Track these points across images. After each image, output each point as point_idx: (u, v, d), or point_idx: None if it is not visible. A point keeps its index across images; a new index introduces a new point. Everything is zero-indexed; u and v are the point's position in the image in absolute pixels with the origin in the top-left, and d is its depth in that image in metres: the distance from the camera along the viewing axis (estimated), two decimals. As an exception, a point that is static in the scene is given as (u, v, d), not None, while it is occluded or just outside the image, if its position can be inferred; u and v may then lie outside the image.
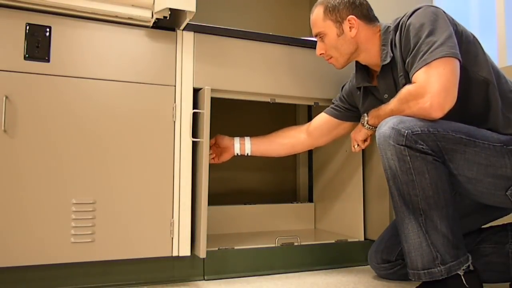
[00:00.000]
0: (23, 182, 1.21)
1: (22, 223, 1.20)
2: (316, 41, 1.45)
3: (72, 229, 1.24)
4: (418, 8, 1.24)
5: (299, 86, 1.58)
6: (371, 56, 1.37)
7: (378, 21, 1.38)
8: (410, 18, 1.23)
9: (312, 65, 1.60)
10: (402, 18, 1.28)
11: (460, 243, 1.15)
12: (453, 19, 1.24)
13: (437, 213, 1.12)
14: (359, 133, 1.41)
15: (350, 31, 1.34)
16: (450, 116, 1.15)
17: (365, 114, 1.37)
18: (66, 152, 1.25)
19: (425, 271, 1.14)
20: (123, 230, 1.29)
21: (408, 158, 1.11)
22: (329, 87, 1.62)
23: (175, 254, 1.35)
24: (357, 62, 1.44)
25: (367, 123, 1.36)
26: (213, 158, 1.59)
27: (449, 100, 1.13)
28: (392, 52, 1.30)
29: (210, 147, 1.54)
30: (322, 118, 1.58)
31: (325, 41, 1.39)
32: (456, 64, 1.15)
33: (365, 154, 1.73)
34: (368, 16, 1.36)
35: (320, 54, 1.42)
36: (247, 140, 1.61)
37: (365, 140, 1.43)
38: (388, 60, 1.30)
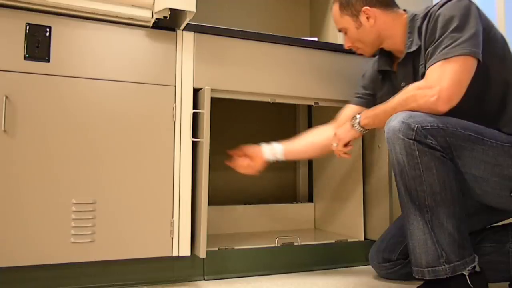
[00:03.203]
0: (23, 182, 1.21)
1: (22, 223, 1.20)
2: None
3: (72, 229, 1.24)
4: None
5: (299, 86, 1.58)
6: (395, 42, 1.36)
7: (397, 5, 1.38)
8: (441, 9, 1.21)
9: (312, 65, 1.60)
10: (433, 7, 1.26)
11: (466, 243, 1.14)
12: (485, 16, 1.22)
13: (444, 211, 1.11)
14: (347, 134, 1.37)
15: (368, 21, 1.35)
16: (463, 111, 1.15)
17: (357, 116, 1.34)
18: (66, 152, 1.25)
19: (429, 269, 1.12)
20: (123, 230, 1.29)
21: (417, 152, 1.10)
22: (329, 87, 1.62)
23: (175, 254, 1.35)
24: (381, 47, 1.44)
25: (359, 124, 1.33)
26: (245, 167, 1.54)
27: (456, 96, 1.13)
28: (420, 41, 1.28)
29: (238, 157, 1.53)
30: (350, 110, 1.54)
31: (348, 35, 1.41)
32: (473, 64, 1.15)
33: (365, 154, 1.73)
34: (383, 2, 1.35)
35: (348, 47, 1.44)
36: (276, 144, 1.54)
37: (348, 143, 1.39)
38: (414, 48, 1.29)
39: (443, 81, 1.12)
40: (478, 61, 1.15)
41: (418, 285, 1.20)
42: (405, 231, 1.19)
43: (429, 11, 1.27)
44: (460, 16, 1.17)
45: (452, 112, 1.15)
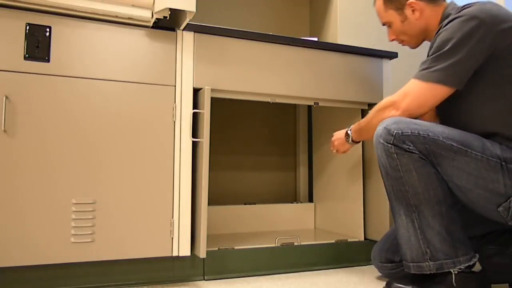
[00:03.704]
0: (23, 182, 1.21)
1: (22, 223, 1.20)
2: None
3: (72, 229, 1.24)
4: (462, 15, 1.19)
5: (299, 86, 1.58)
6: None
7: None
8: (449, 25, 1.21)
9: (312, 65, 1.60)
10: (458, 11, 1.24)
11: (459, 243, 1.16)
12: (499, 32, 1.16)
13: (429, 210, 1.16)
14: (343, 146, 1.53)
15: (413, 14, 1.35)
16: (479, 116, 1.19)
17: (349, 132, 1.48)
18: (66, 152, 1.25)
19: (414, 264, 1.19)
20: (123, 230, 1.29)
21: (395, 155, 1.17)
22: (329, 87, 1.62)
23: (175, 254, 1.35)
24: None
25: (352, 140, 1.48)
26: None
27: (416, 113, 1.25)
28: None
29: None
30: None
31: (393, 28, 1.42)
32: (442, 92, 1.20)
33: (365, 154, 1.73)
34: None
35: (392, 40, 1.46)
36: None
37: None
38: None
39: (407, 98, 1.23)
40: (455, 88, 1.19)
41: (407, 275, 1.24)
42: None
43: (449, 15, 1.26)
44: (457, 41, 1.17)
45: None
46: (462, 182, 1.16)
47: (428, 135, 1.16)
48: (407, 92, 1.24)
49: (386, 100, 1.30)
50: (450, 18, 1.22)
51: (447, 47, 1.18)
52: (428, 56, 1.26)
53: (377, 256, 1.46)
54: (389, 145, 1.17)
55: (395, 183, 1.19)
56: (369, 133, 1.37)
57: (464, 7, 1.24)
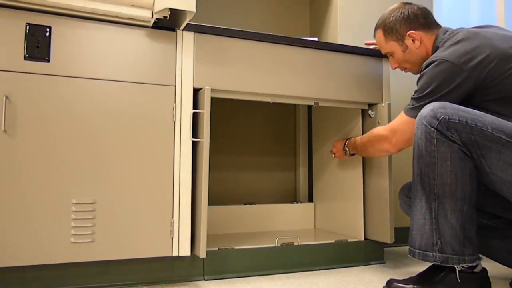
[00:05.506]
0: (23, 182, 1.21)
1: (22, 223, 1.20)
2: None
3: (72, 229, 1.24)
4: (435, 60, 1.25)
5: (299, 86, 1.58)
6: None
7: (438, 26, 1.42)
8: (426, 70, 1.27)
9: (312, 65, 1.60)
10: (441, 48, 1.30)
11: (468, 242, 1.16)
12: (471, 69, 1.21)
13: (450, 203, 1.15)
14: (343, 156, 1.69)
15: (414, 43, 1.41)
16: None
17: (347, 148, 1.64)
18: (66, 152, 1.25)
19: (421, 251, 1.19)
20: (123, 230, 1.29)
21: (435, 141, 1.15)
22: (329, 87, 1.62)
23: (175, 254, 1.35)
24: None
25: (350, 153, 1.65)
26: None
27: (404, 146, 1.37)
28: None
29: None
30: None
31: (395, 58, 1.48)
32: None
33: (365, 154, 1.73)
34: (426, 24, 1.41)
35: (395, 68, 1.52)
36: None
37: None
38: None
39: (396, 135, 1.35)
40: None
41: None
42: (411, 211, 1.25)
43: (437, 48, 1.33)
44: (434, 86, 1.24)
45: None
46: (508, 176, 1.12)
47: (476, 125, 1.13)
48: (396, 129, 1.36)
49: (379, 131, 1.42)
50: (428, 61, 1.29)
51: (427, 91, 1.26)
52: (414, 92, 1.32)
53: (405, 189, 1.50)
54: (432, 128, 1.16)
55: (424, 168, 1.18)
56: (365, 155, 1.59)
57: (445, 40, 1.31)
